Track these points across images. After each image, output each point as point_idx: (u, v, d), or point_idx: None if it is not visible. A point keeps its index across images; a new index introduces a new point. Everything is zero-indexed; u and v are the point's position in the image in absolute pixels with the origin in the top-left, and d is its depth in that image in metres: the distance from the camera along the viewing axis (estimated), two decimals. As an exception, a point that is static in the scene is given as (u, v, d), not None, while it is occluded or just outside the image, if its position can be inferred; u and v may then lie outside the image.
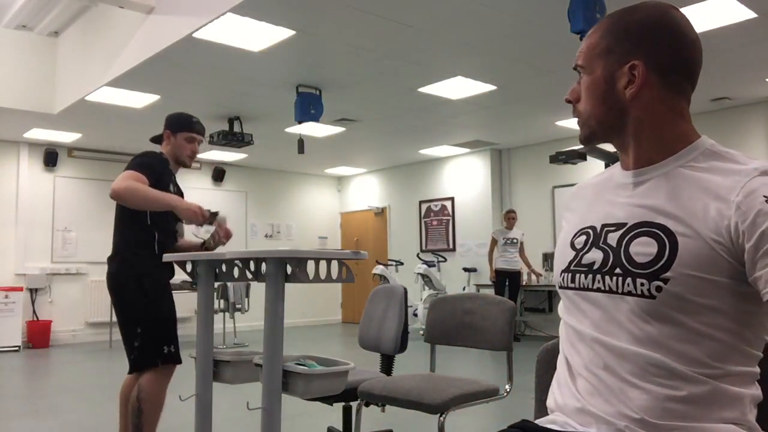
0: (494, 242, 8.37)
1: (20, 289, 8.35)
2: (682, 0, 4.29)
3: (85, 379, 6.10)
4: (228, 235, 2.87)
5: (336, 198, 12.18)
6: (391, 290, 2.90)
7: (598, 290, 1.06)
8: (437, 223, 10.24)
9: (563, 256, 1.15)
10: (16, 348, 8.03)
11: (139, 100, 6.54)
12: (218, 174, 10.39)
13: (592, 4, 3.98)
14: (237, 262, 2.30)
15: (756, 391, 1.00)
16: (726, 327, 0.96)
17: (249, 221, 10.72)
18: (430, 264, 9.22)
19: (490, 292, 7.75)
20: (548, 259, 8.53)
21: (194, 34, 4.89)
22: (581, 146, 1.15)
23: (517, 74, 5.92)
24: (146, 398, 2.61)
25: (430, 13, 4.55)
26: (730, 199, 0.95)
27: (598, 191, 1.18)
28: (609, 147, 1.80)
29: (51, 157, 8.81)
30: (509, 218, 8.30)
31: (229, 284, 7.82)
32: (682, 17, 1.10)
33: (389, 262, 9.87)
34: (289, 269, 2.11)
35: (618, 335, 1.01)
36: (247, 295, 8.13)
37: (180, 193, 2.99)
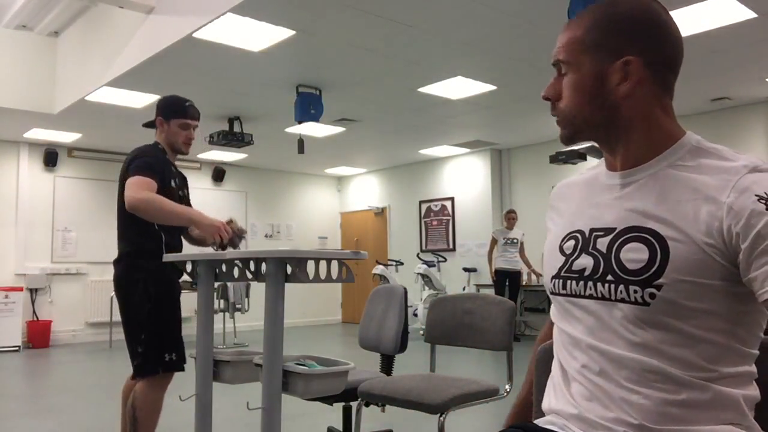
0: (494, 242, 8.38)
1: (20, 289, 8.35)
2: (682, 0, 4.29)
3: (85, 379, 6.10)
4: (242, 233, 2.79)
5: (336, 198, 12.18)
6: (391, 290, 2.90)
7: (590, 297, 1.04)
8: (437, 223, 10.24)
9: (552, 261, 1.13)
10: (16, 348, 8.03)
11: (139, 100, 6.54)
12: (218, 174, 10.39)
13: (592, 4, 3.98)
14: (237, 262, 2.30)
15: (754, 391, 0.99)
16: (721, 329, 0.95)
17: (249, 221, 10.71)
18: (430, 264, 9.22)
19: (490, 292, 7.74)
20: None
21: (194, 34, 4.89)
22: (580, 146, 1.11)
23: (517, 74, 5.92)
24: (141, 406, 2.56)
25: (430, 13, 4.55)
26: (720, 200, 0.93)
27: (583, 192, 1.15)
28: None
29: (51, 157, 8.81)
30: (509, 218, 8.31)
31: (229, 284, 7.82)
32: (665, 10, 1.07)
33: (389, 262, 9.87)
34: (289, 269, 2.11)
35: (613, 341, 1.00)
36: (247, 295, 8.13)
37: (184, 183, 2.91)
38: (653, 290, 0.95)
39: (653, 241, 0.97)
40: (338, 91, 6.43)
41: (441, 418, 2.20)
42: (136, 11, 5.50)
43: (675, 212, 0.97)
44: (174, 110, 2.81)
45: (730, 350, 0.96)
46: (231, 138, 7.34)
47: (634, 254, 0.98)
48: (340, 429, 2.96)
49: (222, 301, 7.94)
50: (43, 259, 8.76)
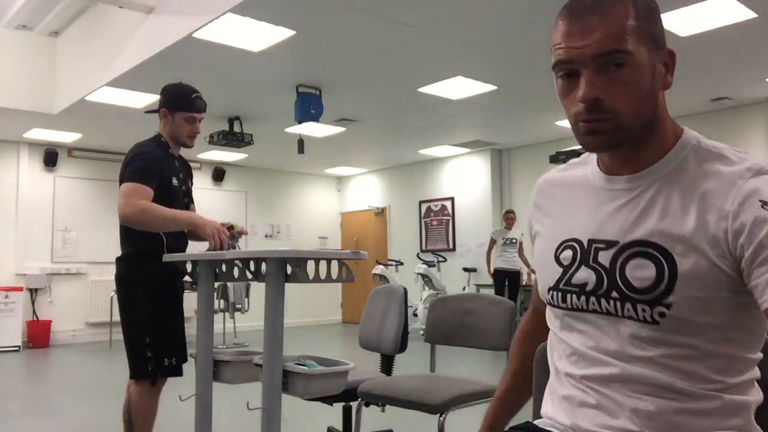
0: (493, 242, 8.37)
1: (20, 289, 8.35)
2: (682, 0, 4.29)
3: (85, 379, 6.10)
4: (243, 234, 2.72)
5: (336, 198, 12.18)
6: (391, 290, 2.90)
7: (594, 312, 1.00)
8: (437, 223, 10.24)
9: (548, 271, 1.07)
10: (16, 348, 8.03)
11: (139, 100, 6.54)
12: (218, 174, 10.39)
13: None
14: (237, 262, 2.30)
15: (758, 395, 0.98)
16: (730, 339, 0.93)
17: (249, 221, 10.71)
18: (430, 264, 9.22)
19: (490, 292, 7.74)
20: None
21: (194, 34, 4.89)
22: (580, 147, 1.04)
23: (517, 74, 5.92)
24: (136, 410, 2.51)
25: (430, 13, 4.55)
26: (725, 208, 0.89)
27: (575, 195, 1.08)
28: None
29: (51, 157, 8.81)
30: (508, 218, 8.29)
31: (229, 284, 7.82)
32: None
33: (389, 262, 9.87)
34: (289, 269, 2.11)
35: (618, 355, 0.97)
36: (247, 295, 8.13)
37: (187, 176, 2.80)
38: (663, 309, 0.92)
39: (660, 257, 0.93)
40: (338, 91, 6.43)
41: (441, 418, 2.20)
42: (136, 11, 5.50)
43: (681, 224, 0.92)
44: (180, 102, 2.66)
45: (737, 359, 0.95)
46: (231, 138, 7.35)
47: (641, 271, 0.94)
48: (340, 429, 2.96)
49: (222, 301, 7.94)
50: (43, 259, 8.76)
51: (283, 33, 4.89)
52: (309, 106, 6.26)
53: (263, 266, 2.16)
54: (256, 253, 2.20)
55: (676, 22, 4.59)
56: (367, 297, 3.04)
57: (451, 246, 9.95)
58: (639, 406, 0.94)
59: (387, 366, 2.83)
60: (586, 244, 1.02)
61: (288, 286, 2.12)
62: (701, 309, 0.91)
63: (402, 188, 10.96)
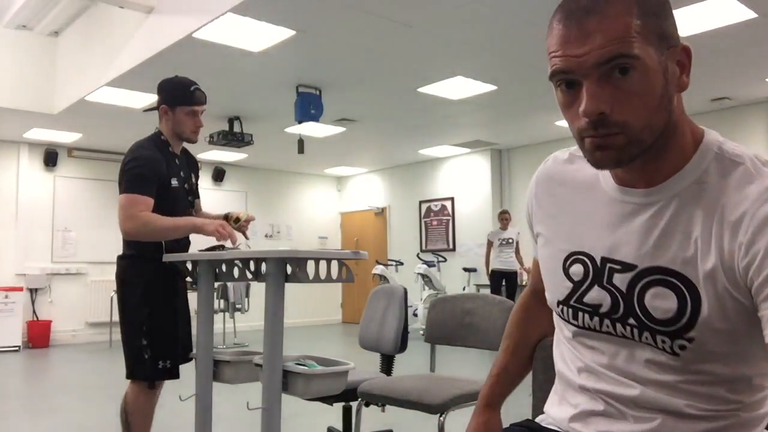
0: (490, 244, 8.35)
1: (20, 289, 8.35)
2: (682, 0, 4.29)
3: (85, 379, 6.10)
4: (249, 221, 2.72)
5: (336, 198, 12.18)
6: (391, 290, 2.90)
7: (608, 333, 0.95)
8: (437, 223, 10.24)
9: (557, 283, 1.01)
10: (16, 348, 8.03)
11: (139, 100, 6.54)
12: (218, 174, 10.39)
13: None
14: (237, 262, 2.31)
15: None
16: (750, 362, 0.90)
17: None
18: (430, 264, 9.22)
19: (489, 292, 7.74)
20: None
21: (194, 34, 4.89)
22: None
23: (517, 74, 5.92)
24: (133, 411, 2.49)
25: (430, 13, 4.55)
26: (739, 236, 0.82)
27: (583, 198, 1.00)
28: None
29: (51, 157, 8.81)
30: (503, 219, 8.27)
31: (229, 284, 7.82)
32: None
33: (389, 262, 9.87)
34: (289, 269, 2.11)
35: (635, 377, 0.93)
36: (247, 295, 8.13)
37: (191, 173, 2.73)
38: (684, 342, 0.87)
39: (682, 288, 0.86)
40: (338, 91, 6.43)
41: (441, 418, 2.20)
42: (136, 11, 5.50)
43: (705, 254, 0.85)
44: (179, 97, 2.57)
45: (756, 378, 0.91)
46: (231, 138, 7.35)
47: (661, 302, 0.88)
48: (340, 429, 2.96)
49: (222, 301, 7.94)
50: (43, 259, 8.76)
51: (283, 33, 4.89)
52: (309, 106, 6.26)
53: (263, 266, 2.16)
54: (256, 253, 2.20)
55: (676, 22, 4.58)
56: (367, 297, 3.04)
57: (451, 246, 9.96)
58: (653, 426, 0.92)
59: (387, 366, 2.83)
60: (599, 262, 0.95)
61: (288, 286, 2.12)
62: (723, 340, 0.86)
63: (402, 188, 10.96)
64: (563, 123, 7.84)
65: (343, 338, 9.42)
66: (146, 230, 2.43)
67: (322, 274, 2.12)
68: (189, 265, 2.55)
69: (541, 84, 6.17)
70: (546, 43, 0.89)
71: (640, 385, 0.92)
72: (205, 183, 10.25)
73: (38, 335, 8.38)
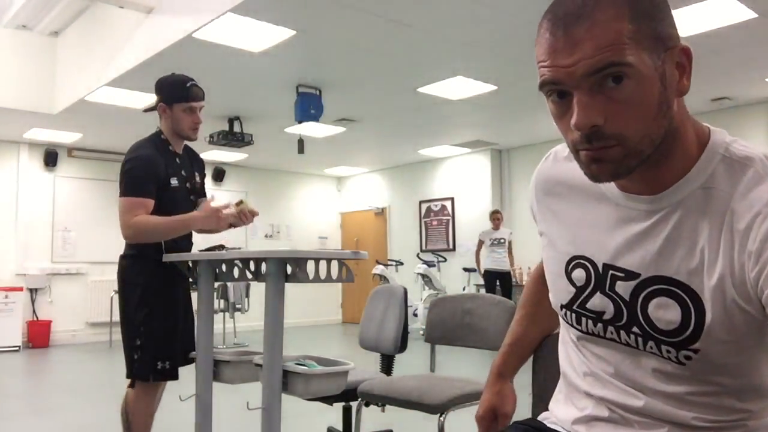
0: (481, 243, 8.33)
1: (20, 289, 8.35)
2: (682, 0, 4.29)
3: (85, 379, 6.10)
4: (254, 214, 2.69)
5: (336, 198, 12.18)
6: (391, 290, 2.90)
7: (612, 340, 0.93)
8: (437, 223, 10.24)
9: (559, 287, 0.99)
10: (16, 348, 8.03)
11: (139, 100, 6.54)
12: (218, 174, 10.39)
13: None
14: (237, 262, 2.31)
15: None
16: (758, 371, 0.88)
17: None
18: (430, 264, 9.22)
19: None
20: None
21: (194, 34, 4.89)
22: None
23: (517, 74, 5.92)
24: (133, 411, 2.49)
25: (430, 13, 4.55)
26: (748, 247, 0.79)
27: (585, 200, 0.96)
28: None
29: (51, 157, 8.81)
30: (495, 219, 8.24)
31: (229, 284, 7.82)
32: None
33: (389, 262, 9.87)
34: (289, 269, 2.11)
35: (641, 387, 0.91)
36: (247, 295, 8.13)
37: (193, 171, 2.71)
38: (689, 353, 0.85)
39: (686, 299, 0.84)
40: (338, 91, 6.43)
41: (441, 418, 2.20)
42: (136, 11, 5.50)
43: (712, 264, 0.82)
44: (176, 94, 2.54)
45: (762, 386, 0.90)
46: (231, 138, 7.34)
47: (665, 313, 0.86)
48: (340, 429, 2.96)
49: (222, 301, 7.94)
50: (43, 259, 8.76)
51: (283, 33, 4.89)
52: (309, 106, 6.26)
53: (263, 266, 2.17)
54: (256, 253, 2.20)
55: (676, 22, 4.58)
56: (367, 297, 3.04)
57: (451, 246, 9.96)
58: (661, 427, 0.91)
59: (387, 366, 2.83)
60: (600, 268, 0.92)
61: (288, 286, 2.12)
62: (730, 351, 0.84)
63: (402, 188, 10.96)
64: (563, 123, 7.83)
65: (343, 338, 9.42)
66: (143, 235, 2.44)
67: (322, 274, 2.12)
68: (189, 265, 2.55)
69: (541, 84, 6.16)
70: (535, 51, 0.85)
71: (645, 396, 0.91)
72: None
73: (38, 335, 8.38)
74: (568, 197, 0.99)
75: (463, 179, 9.92)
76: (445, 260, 9.57)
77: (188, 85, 2.57)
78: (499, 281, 8.11)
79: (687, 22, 4.63)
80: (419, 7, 4.46)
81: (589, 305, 0.94)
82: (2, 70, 6.81)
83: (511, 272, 8.23)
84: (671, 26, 0.83)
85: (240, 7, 4.40)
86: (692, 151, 0.86)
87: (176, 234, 2.54)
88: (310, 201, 11.74)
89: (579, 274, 0.95)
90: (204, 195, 2.83)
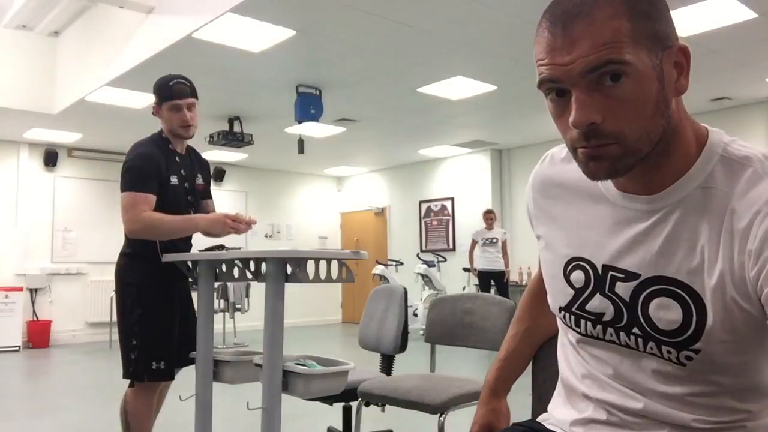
0: (474, 243, 8.30)
1: (20, 289, 8.35)
2: (682, 0, 4.29)
3: (85, 379, 6.10)
4: (251, 223, 2.66)
5: (336, 198, 12.18)
6: (391, 290, 2.90)
7: (612, 342, 0.93)
8: (437, 223, 10.24)
9: (558, 289, 0.99)
10: (16, 348, 8.03)
11: (139, 100, 6.54)
12: (218, 174, 10.39)
13: None
14: (237, 262, 2.31)
15: None
16: (759, 370, 0.88)
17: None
18: (430, 264, 9.22)
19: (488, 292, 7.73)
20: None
21: (194, 34, 4.89)
22: None
23: (517, 74, 5.92)
24: (132, 411, 2.49)
25: (430, 13, 4.55)
26: (748, 246, 0.79)
27: (583, 201, 0.96)
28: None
29: (51, 157, 8.81)
30: (487, 218, 8.21)
31: (229, 284, 7.82)
32: None
33: (389, 262, 9.87)
34: (289, 269, 2.11)
35: (641, 389, 0.91)
36: (247, 295, 8.13)
37: (194, 172, 2.70)
38: (690, 353, 0.85)
39: (687, 299, 0.84)
40: (338, 91, 6.43)
41: (441, 418, 2.20)
42: (136, 11, 5.50)
43: (712, 264, 0.82)
44: (162, 93, 2.58)
45: (762, 386, 0.89)
46: (231, 138, 7.34)
47: (666, 313, 0.85)
48: (340, 429, 2.96)
49: (222, 301, 7.93)
50: (43, 259, 8.76)
51: (283, 33, 4.89)
52: (309, 106, 6.26)
53: (263, 266, 2.17)
54: (256, 253, 2.20)
55: (676, 22, 4.57)
56: (367, 297, 3.04)
57: (451, 246, 9.95)
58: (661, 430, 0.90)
59: (387, 366, 2.83)
60: (600, 269, 0.92)
61: (288, 286, 2.12)
62: (731, 350, 0.84)
63: (402, 188, 10.96)
64: (563, 123, 7.83)
65: (343, 338, 9.42)
66: (150, 231, 2.44)
67: (322, 274, 2.12)
68: (189, 265, 2.55)
69: (541, 84, 6.16)
70: (534, 50, 0.86)
71: (645, 398, 0.90)
72: (205, 183, 10.24)
73: (38, 335, 8.38)
74: (566, 199, 0.99)
75: (463, 179, 9.92)
76: (445, 260, 9.57)
77: (171, 83, 2.58)
78: (493, 281, 8.06)
79: (687, 22, 4.63)
80: (419, 7, 4.46)
81: (588, 307, 0.94)
82: (2, 70, 6.81)
83: (506, 272, 8.16)
84: (669, 26, 0.83)
85: (240, 7, 4.40)
86: (691, 150, 0.86)
87: (182, 234, 2.56)
88: (310, 201, 11.74)
89: (578, 276, 0.95)
90: (209, 197, 2.84)
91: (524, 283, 8.62)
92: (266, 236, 10.91)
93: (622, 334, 0.91)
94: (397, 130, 8.23)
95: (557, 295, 0.99)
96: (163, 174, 2.53)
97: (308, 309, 10.94)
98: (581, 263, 0.95)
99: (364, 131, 8.23)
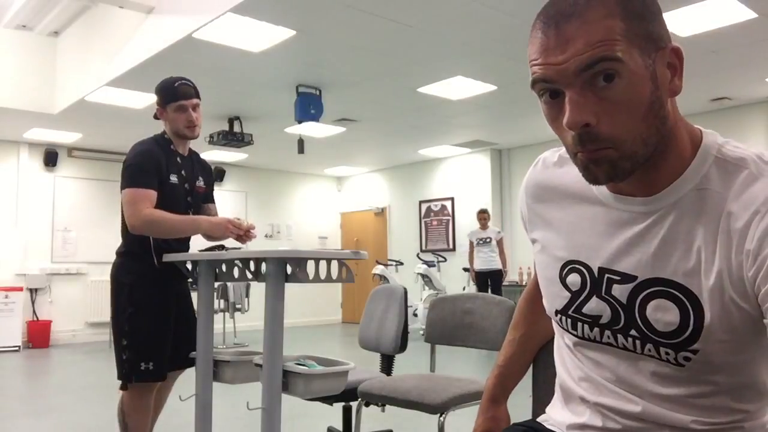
0: (471, 244, 8.30)
1: (20, 289, 8.35)
2: (682, 0, 4.29)
3: (85, 379, 6.09)
4: (250, 230, 2.66)
5: (336, 198, 12.18)
6: (391, 290, 2.90)
7: (609, 345, 0.92)
8: (437, 223, 10.24)
9: (554, 293, 0.98)
10: (16, 348, 8.03)
11: (139, 100, 6.54)
12: (218, 174, 10.38)
13: None
14: (237, 262, 2.31)
15: None
16: (757, 369, 0.88)
17: (249, 221, 10.70)
18: (430, 264, 9.22)
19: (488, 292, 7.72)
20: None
21: (194, 34, 4.89)
22: None
23: (517, 74, 5.92)
24: (129, 412, 2.48)
25: (430, 13, 4.55)
26: (746, 246, 0.79)
27: (577, 204, 0.96)
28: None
29: (51, 157, 8.81)
30: (481, 218, 8.20)
31: (229, 284, 7.82)
32: None
33: (389, 262, 9.87)
34: (289, 269, 2.11)
35: (639, 391, 0.91)
36: (247, 295, 8.13)
37: (194, 173, 2.70)
38: (688, 354, 0.85)
39: (684, 300, 0.84)
40: (338, 91, 6.43)
41: (441, 418, 2.20)
42: (136, 11, 5.50)
43: (709, 265, 0.82)
44: (166, 95, 2.60)
45: (760, 385, 0.89)
46: (231, 138, 7.35)
47: (663, 315, 0.85)
48: (340, 429, 2.96)
49: (222, 301, 7.93)
50: (43, 259, 8.76)
51: (283, 33, 4.90)
52: (309, 106, 6.26)
53: (263, 266, 2.17)
54: (256, 253, 2.20)
55: (676, 22, 4.59)
56: (367, 297, 3.04)
57: (451, 246, 9.96)
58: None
59: (387, 366, 2.83)
60: (596, 272, 0.92)
61: (288, 286, 2.12)
62: (729, 350, 0.84)
63: (402, 188, 10.96)
64: (563, 123, 7.83)
65: (343, 338, 9.42)
66: (152, 227, 2.44)
67: (322, 274, 2.12)
68: (189, 265, 2.55)
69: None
70: (527, 51, 0.85)
71: (643, 401, 0.90)
72: (205, 183, 10.23)
73: (38, 335, 8.38)
74: (559, 202, 0.99)
75: (463, 179, 9.92)
76: (445, 260, 9.57)
77: (176, 84, 2.61)
78: (489, 280, 8.05)
79: (687, 22, 4.62)
80: (419, 7, 4.46)
81: (585, 310, 0.93)
82: (2, 70, 6.81)
83: (504, 271, 8.12)
84: (662, 27, 0.82)
85: (240, 7, 4.40)
86: (686, 152, 0.86)
87: (184, 234, 2.56)
88: (310, 201, 11.74)
89: (574, 279, 0.95)
90: (212, 201, 2.85)
91: (524, 283, 8.61)
92: (266, 236, 10.91)
93: (619, 336, 0.90)
94: (397, 130, 8.23)
95: (553, 298, 0.99)
96: (162, 172, 2.54)
97: (308, 309, 10.94)
98: (577, 266, 0.94)
99: (364, 131, 8.23)
